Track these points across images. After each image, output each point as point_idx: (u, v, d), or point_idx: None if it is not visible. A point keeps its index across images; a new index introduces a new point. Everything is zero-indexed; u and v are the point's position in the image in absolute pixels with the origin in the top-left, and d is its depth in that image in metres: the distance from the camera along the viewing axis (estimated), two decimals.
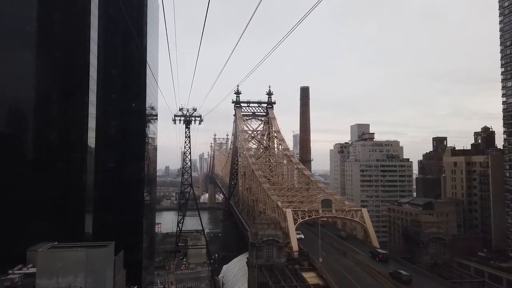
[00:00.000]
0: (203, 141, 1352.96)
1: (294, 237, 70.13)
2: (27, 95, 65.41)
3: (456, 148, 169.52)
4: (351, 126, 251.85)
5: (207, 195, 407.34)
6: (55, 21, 68.32)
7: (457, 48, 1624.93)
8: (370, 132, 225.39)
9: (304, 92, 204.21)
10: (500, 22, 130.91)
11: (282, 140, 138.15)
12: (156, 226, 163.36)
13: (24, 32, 65.54)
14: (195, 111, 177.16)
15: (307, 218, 77.14)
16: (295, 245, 68.42)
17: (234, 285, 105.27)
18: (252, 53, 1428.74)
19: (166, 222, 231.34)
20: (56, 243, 48.33)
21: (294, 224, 73.20)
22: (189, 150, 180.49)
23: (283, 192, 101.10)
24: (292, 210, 76.39)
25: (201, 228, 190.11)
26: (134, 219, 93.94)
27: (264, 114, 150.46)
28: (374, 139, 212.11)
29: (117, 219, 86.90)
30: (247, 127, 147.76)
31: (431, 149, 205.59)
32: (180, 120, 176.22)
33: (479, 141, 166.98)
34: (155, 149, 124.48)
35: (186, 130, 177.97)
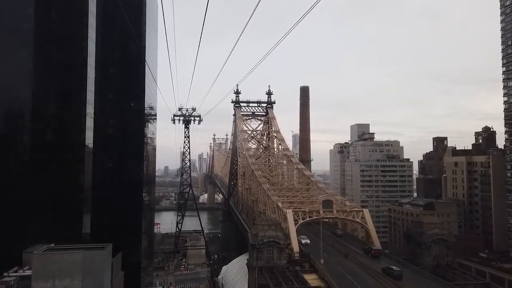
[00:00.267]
0: (202, 141, 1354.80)
1: (295, 238, 69.15)
2: (24, 94, 64.67)
3: (456, 148, 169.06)
4: (351, 126, 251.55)
5: (206, 195, 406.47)
6: (52, 19, 67.65)
7: (457, 48, 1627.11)
8: (370, 132, 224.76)
9: (304, 92, 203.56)
10: (502, 22, 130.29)
11: (282, 140, 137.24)
12: (155, 227, 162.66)
13: (21, 30, 64.78)
14: (194, 110, 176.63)
15: (308, 219, 76.13)
16: (296, 247, 67.46)
17: (234, 286, 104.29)
18: (252, 53, 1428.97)
19: (165, 222, 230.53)
20: (53, 244, 47.45)
21: (295, 225, 72.30)
22: (188, 150, 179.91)
23: (283, 193, 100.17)
24: (292, 210, 75.48)
25: (201, 229, 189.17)
26: (133, 220, 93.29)
27: (264, 114, 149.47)
28: (374, 139, 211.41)
29: (116, 220, 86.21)
30: (247, 127, 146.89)
31: (431, 149, 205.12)
32: (179, 120, 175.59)
33: (480, 141, 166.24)
34: (154, 149, 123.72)
35: (185, 130, 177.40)
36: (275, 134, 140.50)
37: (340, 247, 72.90)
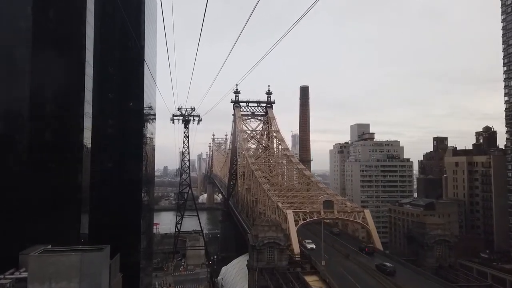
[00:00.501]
0: (201, 141, 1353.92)
1: (296, 239, 68.53)
2: (22, 94, 63.79)
3: (457, 148, 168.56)
4: (351, 126, 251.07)
5: (205, 195, 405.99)
6: (50, 18, 66.81)
7: (457, 48, 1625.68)
8: (370, 132, 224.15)
9: (304, 92, 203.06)
10: (503, 21, 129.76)
11: (281, 140, 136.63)
12: (154, 227, 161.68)
13: (20, 30, 63.99)
14: (194, 110, 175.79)
15: (308, 219, 75.46)
16: (296, 248, 66.84)
17: (234, 287, 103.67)
18: (251, 54, 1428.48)
19: (165, 222, 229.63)
20: (50, 246, 46.83)
21: (295, 225, 71.63)
22: (187, 150, 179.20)
23: (283, 193, 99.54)
24: (293, 211, 74.83)
25: (200, 229, 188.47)
26: (132, 220, 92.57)
27: (264, 113, 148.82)
28: (374, 139, 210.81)
29: (115, 220, 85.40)
30: (246, 126, 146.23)
31: (431, 149, 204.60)
32: (178, 119, 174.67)
33: (481, 141, 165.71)
34: (153, 149, 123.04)
35: (185, 130, 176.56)
36: (274, 134, 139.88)
37: (340, 248, 72.32)
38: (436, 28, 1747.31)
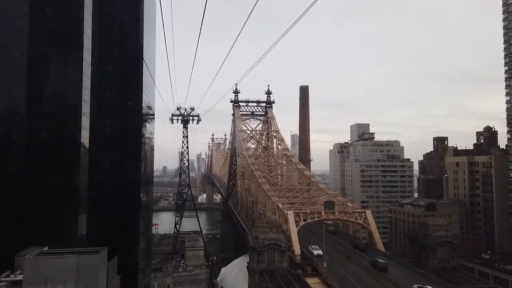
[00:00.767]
0: (201, 141, 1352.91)
1: (296, 240, 67.64)
2: (19, 93, 62.77)
3: (457, 148, 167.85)
4: (351, 126, 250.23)
5: (205, 195, 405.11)
6: (47, 15, 65.69)
7: (457, 48, 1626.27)
8: (370, 132, 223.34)
9: (304, 92, 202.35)
10: (504, 20, 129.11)
11: (281, 140, 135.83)
12: (153, 227, 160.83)
13: (17, 28, 62.98)
14: (193, 110, 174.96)
15: (309, 220, 74.61)
16: (297, 249, 65.96)
17: None
18: (251, 54, 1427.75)
19: (164, 223, 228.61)
20: (46, 247, 45.77)
21: (296, 226, 70.74)
22: (186, 150, 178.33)
23: (283, 193, 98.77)
24: (293, 212, 73.96)
25: (199, 229, 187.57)
26: (131, 220, 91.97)
27: (263, 113, 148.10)
28: (374, 139, 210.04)
29: (113, 220, 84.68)
30: (246, 126, 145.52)
31: (431, 149, 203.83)
32: (177, 119, 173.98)
33: (482, 141, 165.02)
34: (152, 149, 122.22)
35: (184, 129, 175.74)
36: (274, 134, 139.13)
37: (342, 249, 71.49)
38: (436, 28, 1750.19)
